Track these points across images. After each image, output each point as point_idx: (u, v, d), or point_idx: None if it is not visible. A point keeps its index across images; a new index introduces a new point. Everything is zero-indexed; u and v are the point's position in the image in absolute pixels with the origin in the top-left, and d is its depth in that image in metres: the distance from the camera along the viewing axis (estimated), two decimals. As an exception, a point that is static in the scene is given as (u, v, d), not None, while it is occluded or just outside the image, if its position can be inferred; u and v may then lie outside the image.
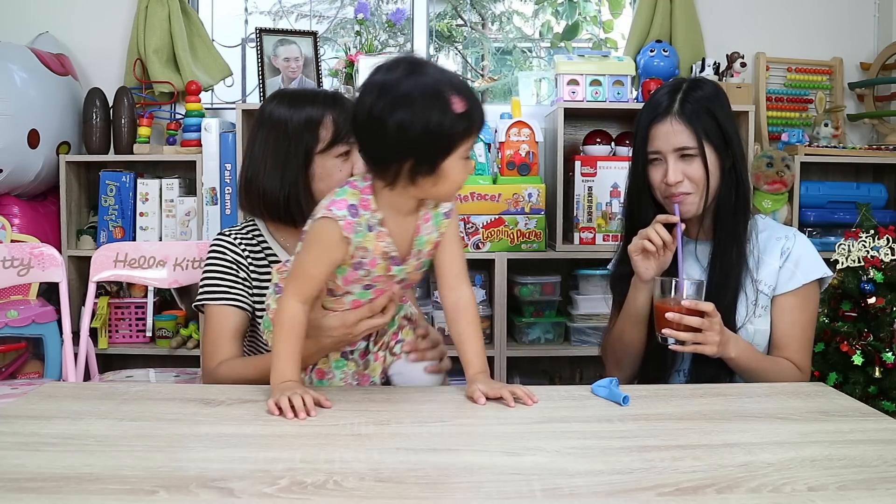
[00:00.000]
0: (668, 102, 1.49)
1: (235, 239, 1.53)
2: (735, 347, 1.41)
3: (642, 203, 1.55)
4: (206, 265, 1.52)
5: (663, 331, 1.38)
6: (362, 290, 1.26)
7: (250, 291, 1.50)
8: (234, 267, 1.50)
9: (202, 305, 1.49)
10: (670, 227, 1.47)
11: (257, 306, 1.50)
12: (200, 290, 1.50)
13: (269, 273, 1.48)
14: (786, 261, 1.52)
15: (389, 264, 1.23)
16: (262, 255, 1.53)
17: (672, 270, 1.47)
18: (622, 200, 1.65)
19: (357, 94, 1.15)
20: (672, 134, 1.47)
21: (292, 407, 1.10)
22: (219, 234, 1.57)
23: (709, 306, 1.36)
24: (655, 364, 1.54)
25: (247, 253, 1.52)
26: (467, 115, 1.11)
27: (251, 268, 1.51)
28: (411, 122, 1.08)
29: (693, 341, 1.36)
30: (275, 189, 1.48)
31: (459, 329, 1.28)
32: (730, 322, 1.47)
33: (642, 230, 1.49)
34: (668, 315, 1.36)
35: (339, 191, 1.20)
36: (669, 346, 1.39)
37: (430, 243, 1.25)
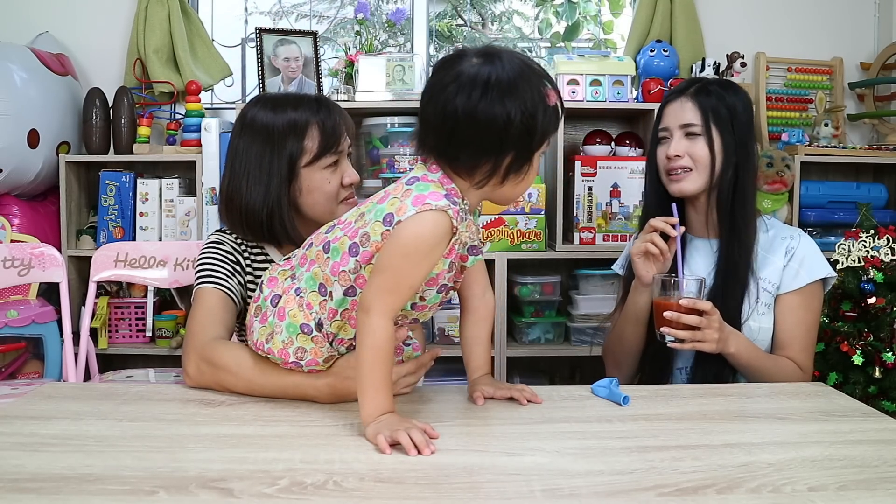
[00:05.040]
0: (684, 87, 1.55)
1: (237, 238, 1.45)
2: (735, 343, 1.42)
3: (658, 194, 1.57)
4: (201, 257, 1.43)
5: (662, 329, 1.39)
6: (436, 293, 1.14)
7: (244, 289, 1.43)
8: (230, 262, 1.41)
9: (196, 289, 1.39)
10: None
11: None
12: (196, 277, 1.40)
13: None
14: (790, 260, 1.52)
15: (468, 254, 1.16)
16: (261, 256, 1.46)
17: (673, 270, 1.48)
18: (640, 199, 1.68)
19: (438, 90, 1.06)
20: (680, 110, 1.52)
21: (414, 443, 0.98)
22: (217, 230, 1.49)
23: (707, 305, 1.36)
24: (657, 364, 1.54)
25: (247, 254, 1.45)
26: (558, 106, 1.09)
27: (249, 269, 1.44)
28: (521, 113, 1.03)
29: (692, 339, 1.37)
30: (256, 205, 1.38)
31: (478, 331, 1.28)
32: (736, 318, 1.48)
33: (644, 233, 1.50)
34: (667, 314, 1.37)
35: (420, 185, 1.08)
36: (668, 344, 1.40)
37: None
